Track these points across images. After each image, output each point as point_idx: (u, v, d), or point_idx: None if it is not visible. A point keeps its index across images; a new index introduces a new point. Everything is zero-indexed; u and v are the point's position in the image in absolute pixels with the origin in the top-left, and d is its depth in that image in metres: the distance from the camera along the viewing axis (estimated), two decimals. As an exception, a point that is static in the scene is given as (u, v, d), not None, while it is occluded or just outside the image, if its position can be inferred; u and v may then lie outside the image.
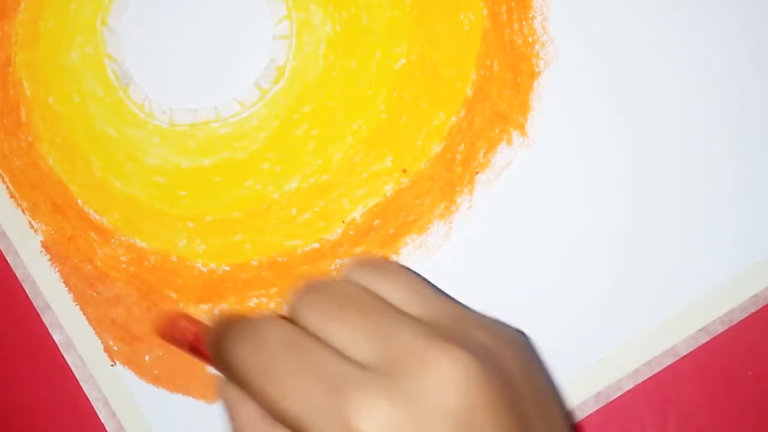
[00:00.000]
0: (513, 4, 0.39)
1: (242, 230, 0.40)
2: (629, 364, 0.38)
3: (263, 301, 0.40)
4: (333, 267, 0.39)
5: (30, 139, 0.42)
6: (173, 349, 0.40)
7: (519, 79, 0.39)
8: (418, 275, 0.30)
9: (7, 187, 0.42)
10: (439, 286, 0.39)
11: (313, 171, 0.40)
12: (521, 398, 0.25)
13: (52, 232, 0.41)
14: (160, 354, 0.40)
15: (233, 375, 0.26)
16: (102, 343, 0.41)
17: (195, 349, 0.34)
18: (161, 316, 0.36)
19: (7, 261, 0.42)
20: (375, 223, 0.39)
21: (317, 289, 0.28)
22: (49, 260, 0.41)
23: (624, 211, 0.38)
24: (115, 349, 0.41)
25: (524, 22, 0.39)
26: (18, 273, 0.42)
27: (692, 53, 0.39)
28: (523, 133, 0.39)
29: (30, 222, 0.42)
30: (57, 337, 0.41)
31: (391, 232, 0.39)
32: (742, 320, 0.37)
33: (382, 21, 0.40)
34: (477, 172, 0.39)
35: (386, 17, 0.40)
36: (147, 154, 0.41)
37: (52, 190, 0.41)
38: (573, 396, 0.38)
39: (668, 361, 0.37)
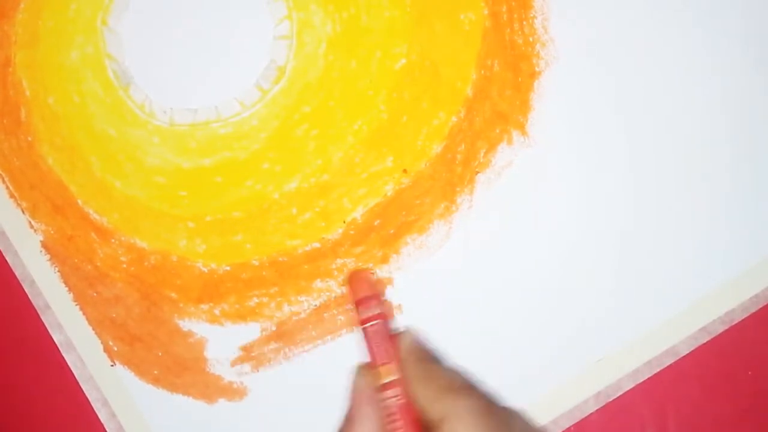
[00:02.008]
0: (513, 3, 0.39)
1: (242, 230, 0.40)
2: (629, 364, 0.38)
3: (263, 301, 0.40)
4: (334, 266, 0.39)
5: (30, 139, 0.42)
6: (173, 349, 0.40)
7: (519, 79, 0.39)
8: None
9: (7, 187, 0.42)
10: (440, 286, 0.39)
11: (314, 171, 0.40)
12: None
13: (52, 232, 0.41)
14: (160, 354, 0.40)
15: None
16: (102, 343, 0.41)
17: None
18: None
19: (6, 261, 0.42)
20: (375, 223, 0.39)
21: None
22: (49, 260, 0.41)
23: (624, 211, 0.38)
24: (115, 349, 0.41)
25: (525, 22, 0.39)
26: (18, 273, 0.42)
27: (692, 53, 0.39)
28: (524, 133, 0.39)
29: (30, 222, 0.42)
30: (57, 337, 0.41)
31: (392, 231, 0.39)
32: (742, 320, 0.37)
33: (382, 21, 0.40)
34: (477, 172, 0.39)
35: (386, 17, 0.40)
36: (147, 154, 0.41)
37: (52, 190, 0.41)
38: (573, 396, 0.38)
39: (668, 361, 0.37)
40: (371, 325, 0.34)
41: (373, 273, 0.39)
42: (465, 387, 0.30)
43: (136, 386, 0.40)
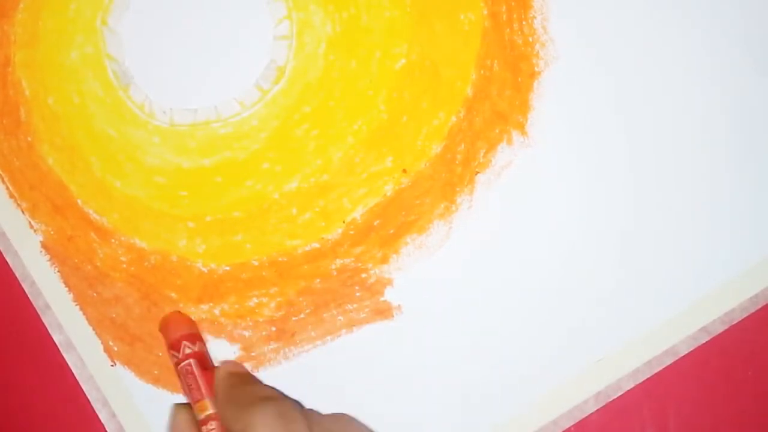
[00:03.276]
0: (513, 3, 0.39)
1: (242, 230, 0.40)
2: (629, 364, 0.38)
3: (263, 301, 0.40)
4: (334, 266, 0.39)
5: (30, 139, 0.42)
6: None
7: (519, 79, 0.39)
8: None
9: (7, 188, 0.42)
10: (440, 286, 0.39)
11: (314, 171, 0.40)
12: None
13: (52, 232, 0.41)
14: (160, 354, 0.40)
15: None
16: (102, 343, 0.41)
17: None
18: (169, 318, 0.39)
19: (6, 261, 0.42)
20: (375, 223, 0.39)
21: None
22: (49, 260, 0.41)
23: (624, 211, 0.38)
24: (115, 349, 0.41)
25: (524, 22, 0.39)
26: (18, 273, 0.42)
27: (692, 53, 0.39)
28: (524, 133, 0.39)
29: (30, 222, 0.42)
30: (57, 337, 0.41)
31: (391, 231, 0.39)
32: (742, 320, 0.37)
33: (382, 21, 0.40)
34: (477, 172, 0.39)
35: (386, 17, 0.40)
36: (147, 154, 0.41)
37: (51, 191, 0.41)
38: (573, 396, 0.38)
39: (668, 361, 0.37)
40: (185, 365, 0.36)
41: (185, 314, 0.40)
42: (263, 399, 0.33)
43: (136, 386, 0.40)
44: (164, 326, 0.39)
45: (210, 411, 0.35)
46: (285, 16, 0.40)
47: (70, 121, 0.41)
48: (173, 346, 0.37)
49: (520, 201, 0.39)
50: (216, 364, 0.38)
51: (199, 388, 0.35)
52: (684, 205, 0.38)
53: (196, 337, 0.38)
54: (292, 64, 0.40)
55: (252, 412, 0.32)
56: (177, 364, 0.37)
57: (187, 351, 0.36)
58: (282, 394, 0.36)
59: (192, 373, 0.36)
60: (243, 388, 0.35)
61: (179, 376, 0.36)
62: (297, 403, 0.35)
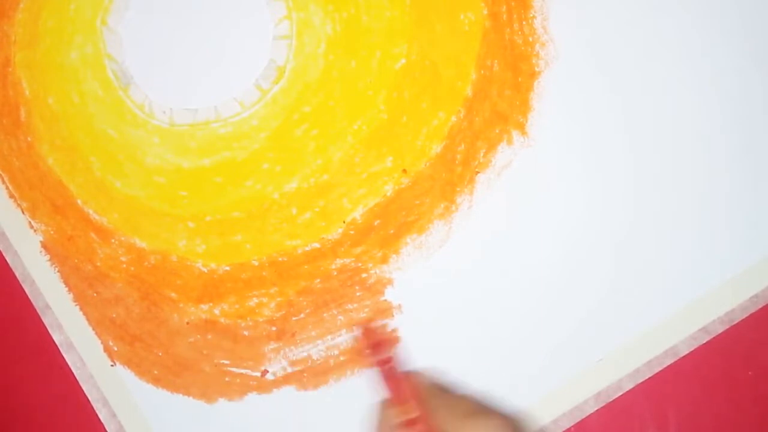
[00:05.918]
0: (513, 4, 0.39)
1: (242, 230, 0.40)
2: (629, 364, 0.38)
3: (263, 301, 0.40)
4: (334, 266, 0.39)
5: (29, 139, 0.42)
6: (173, 349, 0.40)
7: (519, 79, 0.39)
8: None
9: (7, 187, 0.42)
10: (440, 286, 0.39)
11: (313, 171, 0.40)
12: None
13: (52, 232, 0.41)
14: (160, 354, 0.40)
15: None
16: (102, 343, 0.41)
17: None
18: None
19: (6, 261, 0.42)
20: (375, 223, 0.39)
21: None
22: (49, 260, 0.41)
23: (624, 211, 0.38)
24: (115, 349, 0.41)
25: (524, 22, 0.39)
26: (18, 273, 0.42)
27: (692, 53, 0.39)
28: (524, 133, 0.39)
29: (30, 222, 0.42)
30: (57, 337, 0.41)
31: (392, 231, 0.39)
32: (742, 320, 0.37)
33: (382, 21, 0.40)
34: (477, 172, 0.39)
35: (386, 17, 0.40)
36: (147, 154, 0.41)
37: (51, 190, 0.41)
38: (573, 396, 0.38)
39: (668, 361, 0.37)
40: (389, 368, 0.35)
41: (384, 324, 0.39)
42: (487, 409, 0.32)
43: (136, 386, 0.40)
44: (369, 329, 0.38)
45: (414, 414, 0.33)
46: (285, 15, 0.40)
47: (70, 121, 0.41)
48: (378, 346, 0.36)
49: (521, 201, 0.39)
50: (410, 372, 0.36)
51: (404, 391, 0.34)
52: (684, 204, 0.38)
53: (392, 343, 0.37)
54: (292, 64, 0.40)
55: (474, 424, 0.31)
56: (380, 365, 0.36)
57: (391, 354, 0.36)
58: (493, 404, 0.35)
59: (396, 376, 0.35)
60: (452, 397, 0.34)
61: (384, 377, 0.35)
62: (510, 420, 0.33)
